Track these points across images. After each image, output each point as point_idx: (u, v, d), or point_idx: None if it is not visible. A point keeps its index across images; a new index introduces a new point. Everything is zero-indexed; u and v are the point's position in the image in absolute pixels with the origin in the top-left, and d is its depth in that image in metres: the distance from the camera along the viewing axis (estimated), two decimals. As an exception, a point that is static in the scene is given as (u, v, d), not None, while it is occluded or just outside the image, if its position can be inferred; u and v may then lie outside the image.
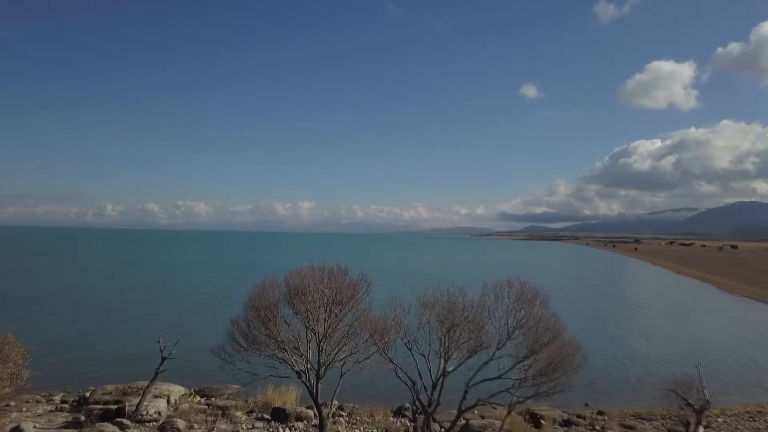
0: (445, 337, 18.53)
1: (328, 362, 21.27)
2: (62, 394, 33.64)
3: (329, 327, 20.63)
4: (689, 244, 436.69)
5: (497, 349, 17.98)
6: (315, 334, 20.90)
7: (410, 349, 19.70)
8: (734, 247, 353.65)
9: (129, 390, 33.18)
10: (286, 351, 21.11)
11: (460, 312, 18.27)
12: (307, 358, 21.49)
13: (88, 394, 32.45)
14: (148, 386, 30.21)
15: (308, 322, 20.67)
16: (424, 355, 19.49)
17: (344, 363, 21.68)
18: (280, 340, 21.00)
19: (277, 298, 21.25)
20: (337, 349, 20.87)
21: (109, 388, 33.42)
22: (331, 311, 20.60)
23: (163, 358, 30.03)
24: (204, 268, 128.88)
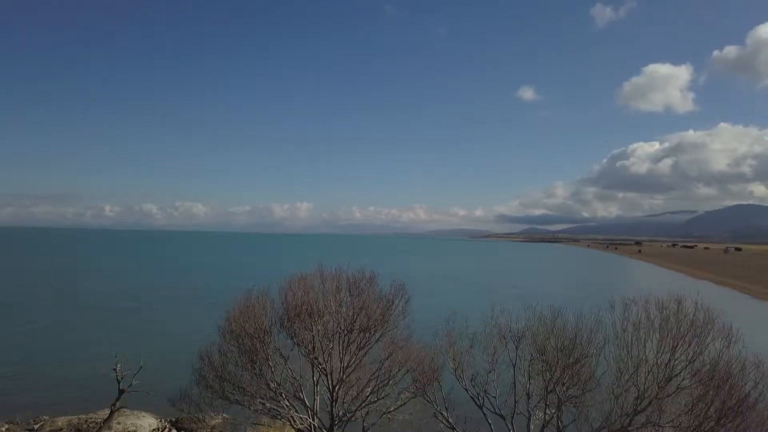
0: (542, 388, 11.29)
1: (345, 417, 14.13)
2: (7, 426, 27.30)
3: (348, 365, 13.53)
4: (692, 247, 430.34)
5: (637, 412, 10.63)
6: (327, 375, 13.77)
7: (480, 406, 12.44)
8: (738, 249, 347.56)
9: (85, 425, 26.87)
10: (282, 400, 13.99)
11: (568, 348, 11.07)
12: (313, 410, 14.32)
13: (36, 427, 26.35)
14: (100, 429, 23.64)
15: (316, 358, 13.56)
16: (501, 415, 12.26)
17: (368, 413, 14.55)
18: (274, 384, 13.87)
19: (268, 320, 14.16)
20: (360, 401, 13.71)
21: (61, 422, 27.13)
22: (351, 341, 13.52)
23: (121, 391, 23.37)
24: (200, 271, 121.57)
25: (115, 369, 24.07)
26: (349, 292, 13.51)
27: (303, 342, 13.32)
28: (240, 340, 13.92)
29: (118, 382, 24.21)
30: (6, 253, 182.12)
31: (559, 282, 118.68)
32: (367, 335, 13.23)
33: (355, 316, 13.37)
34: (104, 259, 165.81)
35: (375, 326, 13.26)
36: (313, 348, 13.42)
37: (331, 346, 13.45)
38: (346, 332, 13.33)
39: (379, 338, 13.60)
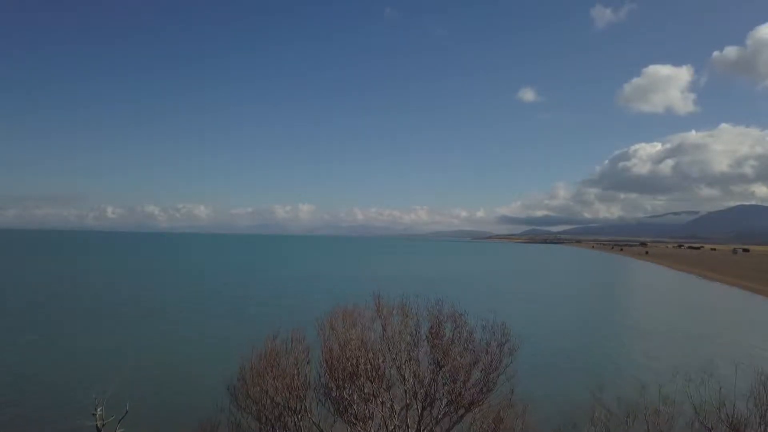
0: None
1: None
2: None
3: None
4: (698, 248, 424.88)
5: None
6: (392, 466, 9.18)
7: None
8: (746, 250, 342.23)
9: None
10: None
11: None
12: None
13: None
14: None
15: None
16: None
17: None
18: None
19: (303, 379, 9.53)
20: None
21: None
22: (432, 417, 8.89)
23: (101, 442, 18.69)
24: (205, 275, 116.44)
25: (94, 414, 19.03)
26: (429, 340, 8.79)
27: (358, 417, 8.56)
28: (261, 407, 9.20)
29: (98, 429, 19.13)
30: (8, 255, 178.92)
31: (595, 284, 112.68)
32: (458, 410, 8.50)
33: (433, 380, 8.63)
34: (106, 262, 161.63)
35: (469, 395, 8.54)
36: (372, 425, 8.67)
37: (399, 423, 8.70)
38: (425, 405, 8.59)
39: (469, 406, 8.88)
